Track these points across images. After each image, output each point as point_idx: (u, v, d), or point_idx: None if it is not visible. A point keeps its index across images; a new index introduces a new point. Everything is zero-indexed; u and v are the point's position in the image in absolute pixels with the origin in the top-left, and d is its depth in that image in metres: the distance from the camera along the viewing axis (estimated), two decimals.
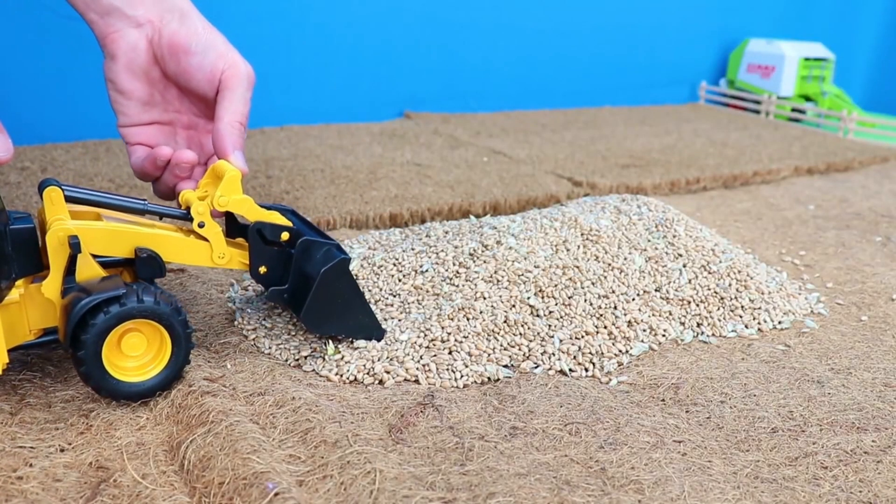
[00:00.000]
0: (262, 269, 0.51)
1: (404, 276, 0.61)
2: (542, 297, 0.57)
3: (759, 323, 0.61)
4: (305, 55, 1.27)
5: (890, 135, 1.38)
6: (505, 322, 0.55)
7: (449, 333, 0.53)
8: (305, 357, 0.52)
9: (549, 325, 0.55)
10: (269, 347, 0.53)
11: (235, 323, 0.57)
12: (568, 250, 0.62)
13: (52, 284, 0.45)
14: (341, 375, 0.50)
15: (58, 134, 1.06)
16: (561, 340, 0.54)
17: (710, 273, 0.63)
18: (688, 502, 0.40)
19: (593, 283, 0.59)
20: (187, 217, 0.50)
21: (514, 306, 0.56)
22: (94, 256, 0.46)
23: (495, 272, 0.59)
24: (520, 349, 0.54)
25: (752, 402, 0.50)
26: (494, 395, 0.49)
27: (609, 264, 0.61)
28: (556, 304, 0.57)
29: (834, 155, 1.18)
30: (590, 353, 0.54)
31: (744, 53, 1.63)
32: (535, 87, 1.52)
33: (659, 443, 0.45)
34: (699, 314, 0.60)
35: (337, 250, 0.51)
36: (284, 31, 1.24)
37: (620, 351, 0.55)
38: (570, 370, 0.53)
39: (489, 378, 0.51)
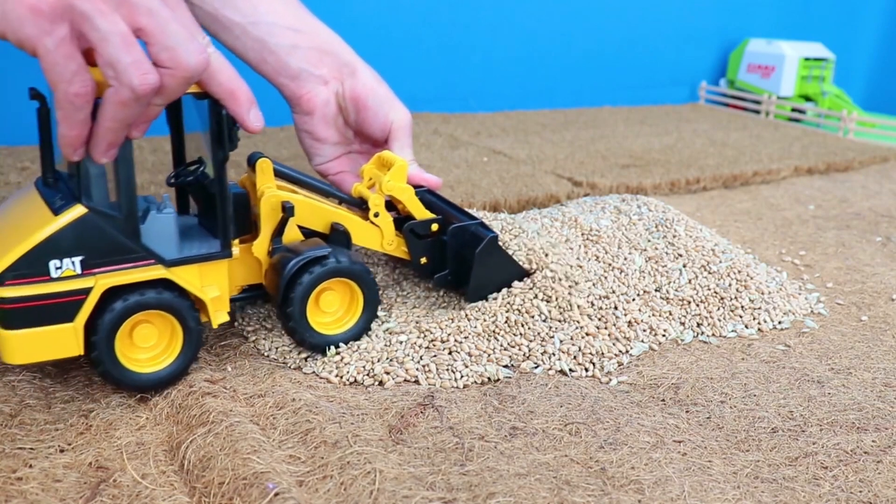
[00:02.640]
0: (423, 260, 0.57)
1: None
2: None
3: (759, 323, 0.61)
4: None
5: (890, 135, 1.38)
6: (505, 322, 0.55)
7: (449, 334, 0.53)
8: (305, 359, 0.52)
9: (549, 326, 0.55)
10: (270, 349, 0.53)
11: (236, 324, 0.57)
12: (569, 250, 0.62)
13: (261, 244, 0.51)
14: (341, 377, 0.50)
15: None
16: (561, 340, 0.54)
17: (710, 273, 0.63)
18: (688, 502, 0.40)
19: (593, 284, 0.59)
20: (362, 206, 0.56)
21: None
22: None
23: None
24: (520, 349, 0.54)
25: (752, 402, 0.50)
26: (494, 396, 0.49)
27: (609, 264, 0.61)
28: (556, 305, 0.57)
29: (834, 155, 1.18)
30: (590, 353, 0.54)
31: (744, 53, 1.63)
32: (535, 87, 1.51)
33: (659, 443, 0.45)
34: (699, 314, 0.60)
35: (482, 228, 0.56)
36: None
37: (620, 351, 0.55)
38: (570, 370, 0.53)
39: (489, 378, 0.51)
